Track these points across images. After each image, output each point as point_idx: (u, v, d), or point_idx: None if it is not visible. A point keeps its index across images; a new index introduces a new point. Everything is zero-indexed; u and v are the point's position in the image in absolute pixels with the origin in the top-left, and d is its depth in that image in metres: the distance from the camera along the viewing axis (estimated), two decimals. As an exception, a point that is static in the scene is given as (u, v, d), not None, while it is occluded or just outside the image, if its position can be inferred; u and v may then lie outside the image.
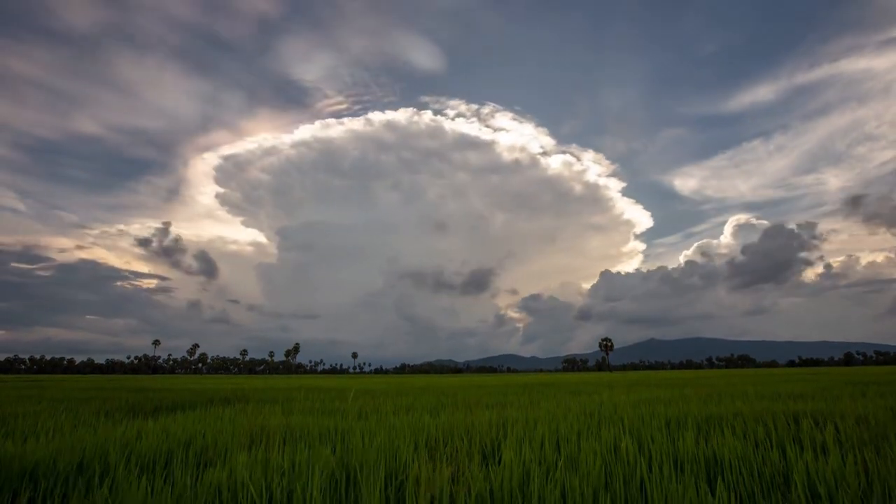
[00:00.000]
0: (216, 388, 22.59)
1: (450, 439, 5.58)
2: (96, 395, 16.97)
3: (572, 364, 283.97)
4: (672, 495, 3.12)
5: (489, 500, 3.27)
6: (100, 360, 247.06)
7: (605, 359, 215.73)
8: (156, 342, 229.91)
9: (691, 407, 8.67)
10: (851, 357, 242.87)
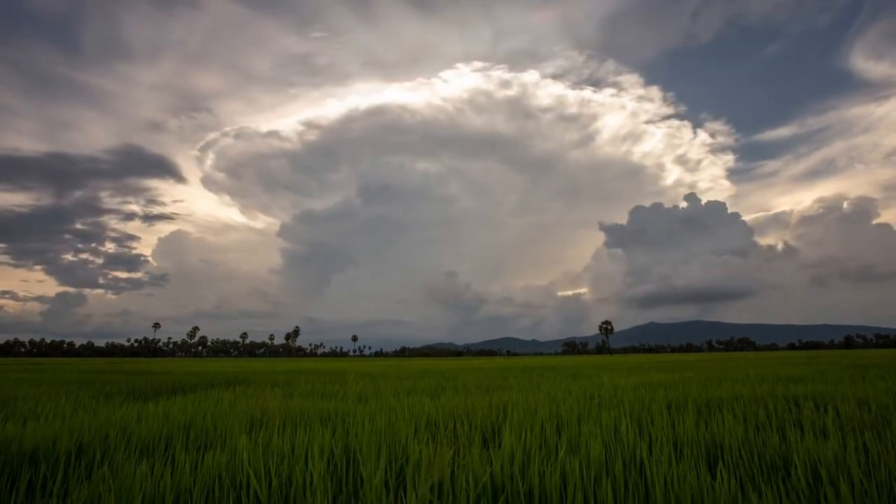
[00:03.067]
0: (217, 371, 22.75)
1: (450, 422, 5.58)
2: (96, 378, 17.07)
3: (572, 347, 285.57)
4: (672, 479, 3.09)
5: (489, 484, 3.26)
6: (100, 343, 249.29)
7: (605, 342, 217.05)
8: (156, 325, 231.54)
9: (691, 390, 8.69)
10: (852, 340, 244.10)
